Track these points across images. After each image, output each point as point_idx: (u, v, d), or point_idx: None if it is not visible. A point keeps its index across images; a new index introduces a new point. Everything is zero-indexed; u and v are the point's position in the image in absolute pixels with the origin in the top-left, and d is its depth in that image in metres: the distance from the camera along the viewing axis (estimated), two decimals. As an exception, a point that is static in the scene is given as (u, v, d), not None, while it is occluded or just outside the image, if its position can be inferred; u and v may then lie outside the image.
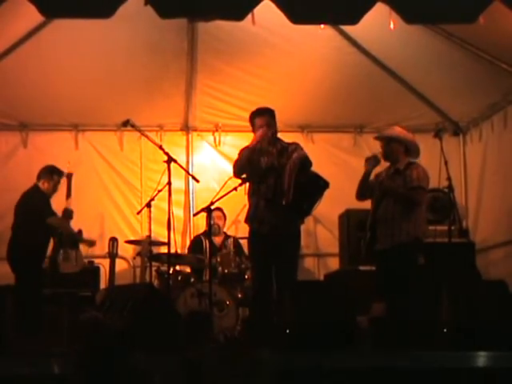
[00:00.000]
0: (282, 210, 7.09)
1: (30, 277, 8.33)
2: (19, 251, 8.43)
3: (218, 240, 9.57)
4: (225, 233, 9.75)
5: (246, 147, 7.41)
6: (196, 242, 9.60)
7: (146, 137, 8.07)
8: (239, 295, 8.83)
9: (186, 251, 9.71)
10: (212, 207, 7.54)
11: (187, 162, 10.36)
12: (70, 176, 9.03)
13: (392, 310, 6.99)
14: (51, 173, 8.71)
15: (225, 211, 9.61)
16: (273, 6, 5.56)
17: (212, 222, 9.23)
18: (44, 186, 8.64)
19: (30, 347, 6.34)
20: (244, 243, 9.51)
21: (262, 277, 7.23)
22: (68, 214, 8.84)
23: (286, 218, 7.12)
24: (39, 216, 8.50)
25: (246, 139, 10.39)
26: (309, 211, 7.32)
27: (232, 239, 9.59)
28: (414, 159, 7.34)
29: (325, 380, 5.21)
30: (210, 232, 8.46)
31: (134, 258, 9.59)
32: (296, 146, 7.35)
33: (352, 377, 5.41)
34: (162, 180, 7.58)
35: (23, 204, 8.58)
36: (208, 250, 8.44)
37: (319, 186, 7.13)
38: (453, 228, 8.54)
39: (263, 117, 7.32)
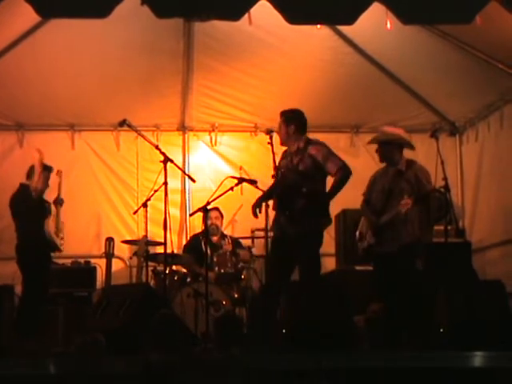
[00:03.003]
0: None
1: (36, 277, 8.31)
2: (23, 252, 8.41)
3: (216, 239, 9.56)
4: (221, 232, 9.74)
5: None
6: (193, 243, 9.58)
7: (143, 137, 8.07)
8: (235, 295, 8.82)
9: (182, 250, 9.68)
10: (208, 207, 7.54)
11: (183, 162, 10.35)
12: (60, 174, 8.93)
13: (394, 311, 6.97)
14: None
15: (222, 211, 9.60)
16: (269, 6, 5.56)
17: (210, 222, 9.24)
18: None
19: (26, 347, 6.34)
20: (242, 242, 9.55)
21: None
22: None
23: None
24: (27, 216, 8.45)
25: (242, 139, 10.51)
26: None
27: (229, 238, 9.59)
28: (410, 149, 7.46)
29: (322, 380, 5.21)
30: (206, 232, 8.46)
31: (131, 258, 9.58)
32: (313, 145, 7.35)
33: (349, 376, 5.42)
34: (158, 180, 7.58)
35: (10, 206, 8.54)
36: (206, 250, 8.45)
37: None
38: (449, 228, 8.50)
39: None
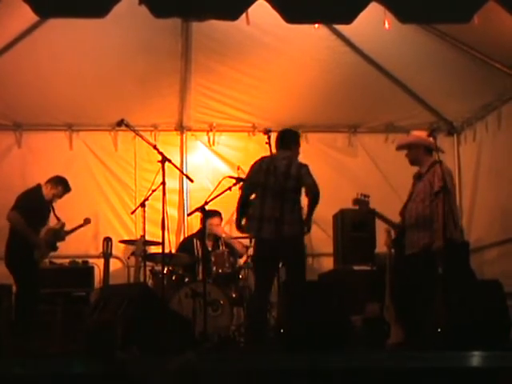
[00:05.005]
0: None
1: (27, 277, 8.32)
2: (16, 251, 8.42)
3: (208, 244, 9.52)
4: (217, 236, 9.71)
5: None
6: (186, 244, 9.58)
7: (141, 137, 8.06)
8: (233, 295, 8.83)
9: (175, 250, 9.66)
10: (207, 208, 7.55)
11: (181, 162, 10.36)
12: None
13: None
14: (58, 182, 8.78)
15: (222, 215, 9.59)
16: (267, 5, 5.56)
17: (209, 229, 9.23)
18: (46, 188, 8.72)
19: (23, 347, 6.33)
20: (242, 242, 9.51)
21: None
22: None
23: None
24: (32, 213, 8.51)
25: (240, 139, 10.50)
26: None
27: (222, 240, 9.58)
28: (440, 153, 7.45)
29: (318, 380, 5.21)
30: (203, 232, 8.45)
31: (129, 258, 9.57)
32: None
33: (346, 377, 5.41)
34: (156, 180, 7.57)
35: (18, 200, 8.58)
36: (201, 250, 8.45)
37: None
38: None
39: None
